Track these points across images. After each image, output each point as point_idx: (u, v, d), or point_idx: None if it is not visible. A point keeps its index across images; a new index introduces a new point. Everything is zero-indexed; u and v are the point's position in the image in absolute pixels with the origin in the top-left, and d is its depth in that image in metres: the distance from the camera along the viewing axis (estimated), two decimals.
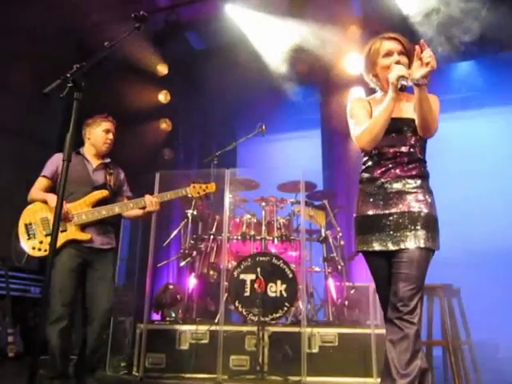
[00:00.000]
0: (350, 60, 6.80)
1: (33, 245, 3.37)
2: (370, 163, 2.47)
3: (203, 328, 4.43)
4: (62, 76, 2.10)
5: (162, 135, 7.82)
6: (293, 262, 4.94)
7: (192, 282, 5.11)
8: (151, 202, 3.49)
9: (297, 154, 7.45)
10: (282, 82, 7.07)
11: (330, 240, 5.27)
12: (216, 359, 4.11)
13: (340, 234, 5.38)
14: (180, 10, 6.66)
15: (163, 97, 7.80)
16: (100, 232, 3.45)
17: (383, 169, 2.41)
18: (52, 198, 3.38)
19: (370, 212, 2.40)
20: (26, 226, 3.40)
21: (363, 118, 2.43)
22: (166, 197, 3.59)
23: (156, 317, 5.17)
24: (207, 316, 4.98)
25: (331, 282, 5.13)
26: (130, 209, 3.52)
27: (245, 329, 4.43)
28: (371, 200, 2.41)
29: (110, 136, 3.63)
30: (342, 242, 5.40)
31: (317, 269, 5.34)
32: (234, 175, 4.92)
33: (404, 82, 2.21)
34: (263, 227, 5.20)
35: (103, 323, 3.37)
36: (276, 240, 5.15)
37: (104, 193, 3.49)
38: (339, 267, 5.19)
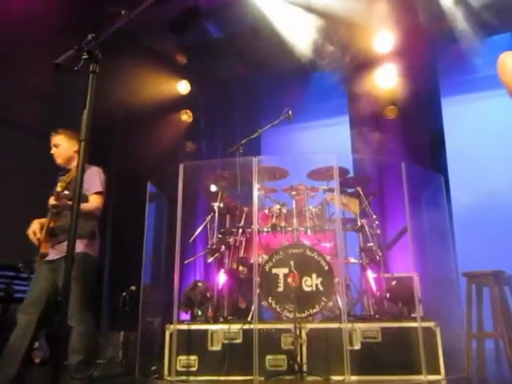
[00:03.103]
0: (378, 39, 6.45)
1: None
2: None
3: (236, 327, 4.18)
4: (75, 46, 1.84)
5: (184, 127, 7.60)
6: (327, 254, 4.64)
7: (221, 278, 4.84)
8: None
9: (323, 142, 7.12)
10: (307, 67, 6.78)
11: (366, 229, 4.93)
12: (251, 360, 3.85)
13: (376, 223, 5.02)
14: None
15: (183, 87, 7.58)
16: (54, 244, 3.36)
17: None
18: None
19: None
20: None
21: None
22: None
23: (185, 316, 4.93)
24: (238, 314, 4.72)
25: (370, 274, 4.80)
26: None
27: (280, 326, 4.16)
28: None
29: (52, 150, 3.59)
30: (378, 231, 5.06)
31: (353, 260, 5.02)
32: (260, 163, 4.62)
33: None
34: (294, 218, 4.91)
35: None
36: (309, 231, 4.87)
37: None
38: (377, 257, 4.86)
